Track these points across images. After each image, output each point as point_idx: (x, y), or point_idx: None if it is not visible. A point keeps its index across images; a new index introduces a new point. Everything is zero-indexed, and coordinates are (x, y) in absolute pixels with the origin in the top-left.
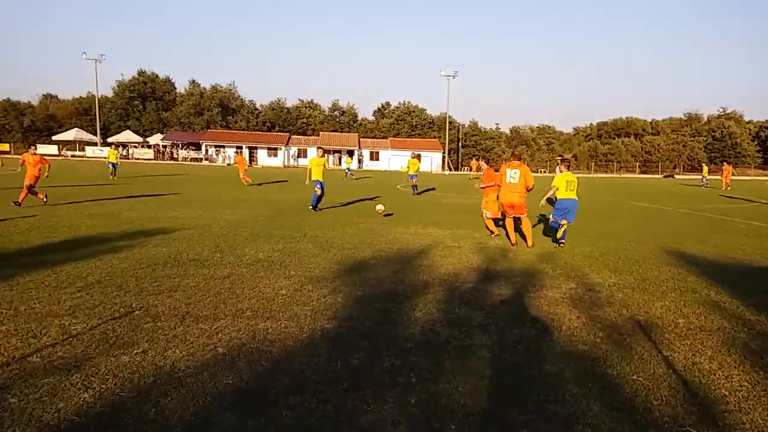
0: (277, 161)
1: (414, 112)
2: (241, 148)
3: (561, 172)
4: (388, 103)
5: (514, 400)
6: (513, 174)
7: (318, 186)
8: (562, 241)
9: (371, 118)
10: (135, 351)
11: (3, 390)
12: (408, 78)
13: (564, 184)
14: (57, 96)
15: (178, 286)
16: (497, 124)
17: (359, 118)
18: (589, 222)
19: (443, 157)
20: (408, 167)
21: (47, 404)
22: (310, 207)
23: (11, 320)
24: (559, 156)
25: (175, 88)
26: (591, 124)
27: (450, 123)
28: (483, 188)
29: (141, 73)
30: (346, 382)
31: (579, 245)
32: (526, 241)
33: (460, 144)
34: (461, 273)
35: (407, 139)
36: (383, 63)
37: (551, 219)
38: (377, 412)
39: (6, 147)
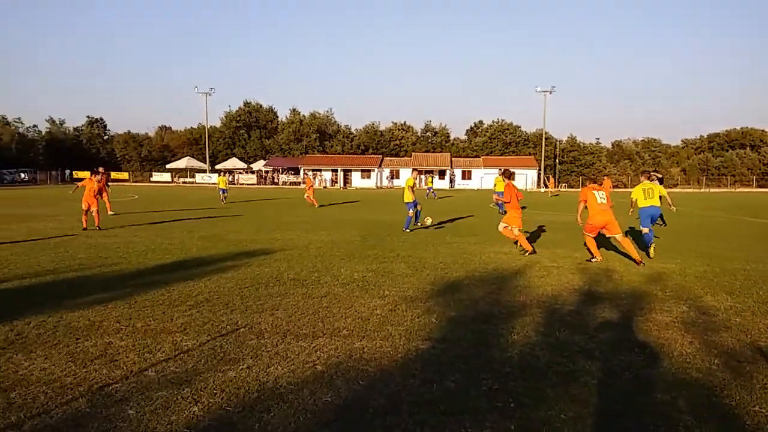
0: (370, 183)
1: (508, 129)
2: (336, 171)
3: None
4: (480, 122)
5: (621, 429)
6: (600, 195)
7: (409, 208)
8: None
9: (464, 137)
10: (240, 367)
11: (122, 402)
12: (502, 96)
13: (641, 193)
14: (171, 127)
15: (280, 304)
16: (597, 138)
17: (451, 138)
18: (700, 240)
19: (539, 174)
20: (495, 185)
21: (161, 416)
22: (406, 229)
23: (130, 336)
24: (643, 170)
25: (277, 117)
26: (701, 136)
27: (546, 139)
28: (503, 203)
29: (246, 103)
30: (443, 404)
31: (691, 265)
32: (633, 259)
33: (557, 160)
34: (561, 294)
35: (500, 157)
36: (476, 82)
37: (643, 230)
38: None
39: (125, 175)
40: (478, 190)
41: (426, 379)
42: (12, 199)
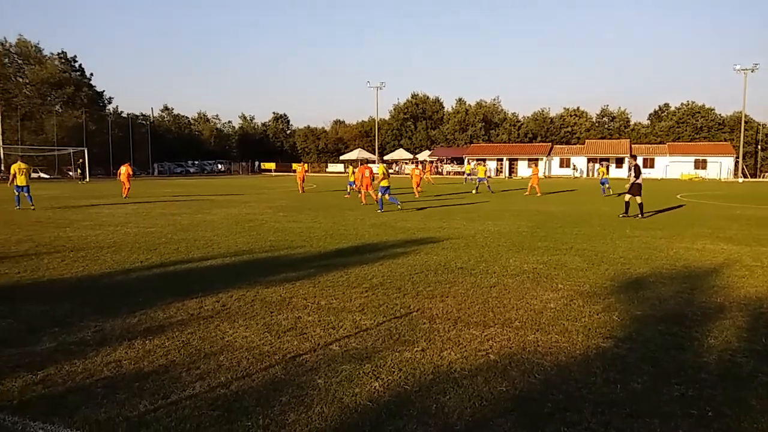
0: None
1: (699, 112)
2: (501, 160)
3: None
4: (666, 105)
5: None
6: None
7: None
8: None
9: (646, 122)
10: (415, 349)
11: (312, 371)
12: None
13: None
14: (344, 121)
15: (449, 292)
16: None
17: (631, 123)
18: None
19: (736, 162)
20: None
21: (346, 388)
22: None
23: (315, 312)
24: None
25: (443, 107)
26: None
27: (746, 123)
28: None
29: (414, 95)
30: (629, 406)
31: None
32: None
33: (759, 147)
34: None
35: (690, 143)
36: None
37: None
38: None
39: (306, 167)
40: (661, 179)
41: (609, 378)
42: (212, 187)
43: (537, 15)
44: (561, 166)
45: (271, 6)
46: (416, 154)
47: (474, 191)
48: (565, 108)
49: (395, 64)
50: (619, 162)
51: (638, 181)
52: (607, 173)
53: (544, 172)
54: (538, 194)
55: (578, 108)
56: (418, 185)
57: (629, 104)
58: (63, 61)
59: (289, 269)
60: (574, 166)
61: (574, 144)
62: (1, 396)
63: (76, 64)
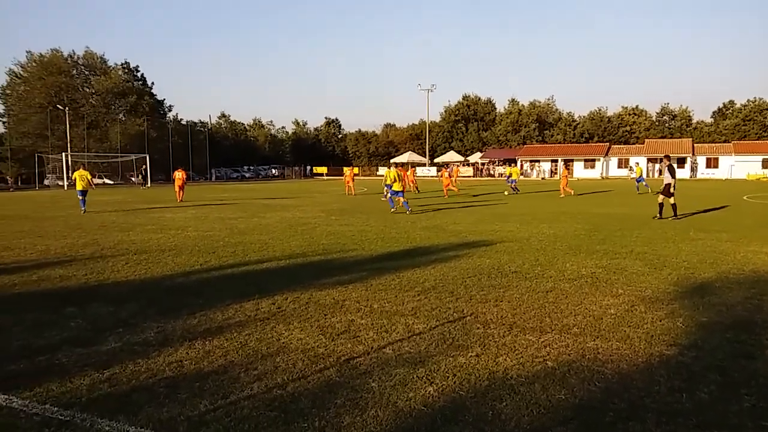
0: (594, 173)
1: (767, 109)
2: (556, 161)
3: None
4: (731, 102)
5: None
6: None
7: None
8: None
9: (709, 120)
10: (469, 354)
11: (365, 375)
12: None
13: None
14: (395, 124)
15: (503, 296)
16: None
17: (693, 121)
18: None
19: None
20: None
21: (400, 392)
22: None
23: (368, 315)
24: None
25: (495, 108)
26: None
27: None
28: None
29: (465, 97)
30: (695, 416)
31: None
32: None
33: None
34: None
35: (757, 141)
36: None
37: None
38: None
39: (356, 170)
40: (725, 179)
41: (673, 387)
42: (266, 191)
43: (593, 10)
44: (619, 166)
45: (322, 12)
46: (467, 156)
47: (506, 192)
48: (623, 107)
49: (447, 65)
50: (681, 162)
51: (672, 181)
52: (641, 172)
53: (602, 173)
54: (572, 194)
55: (637, 106)
56: (447, 186)
57: (691, 102)
58: (126, 71)
59: (342, 272)
60: (630, 166)
61: (633, 144)
62: (71, 393)
63: (138, 74)
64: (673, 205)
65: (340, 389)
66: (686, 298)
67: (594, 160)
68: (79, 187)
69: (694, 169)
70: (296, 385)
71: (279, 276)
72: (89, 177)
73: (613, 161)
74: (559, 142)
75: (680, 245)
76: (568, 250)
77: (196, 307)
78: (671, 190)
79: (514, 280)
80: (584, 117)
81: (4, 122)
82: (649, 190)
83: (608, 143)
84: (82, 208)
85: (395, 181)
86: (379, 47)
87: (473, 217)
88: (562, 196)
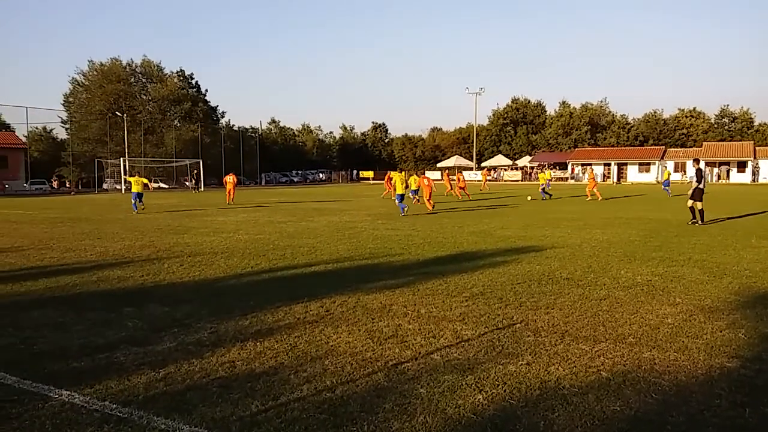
0: (649, 177)
1: None
2: (609, 164)
3: None
4: None
5: None
6: None
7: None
8: None
9: None
10: (520, 362)
11: (413, 380)
12: None
13: None
14: (441, 128)
15: (554, 303)
16: None
17: (755, 123)
18: None
19: None
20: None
21: (449, 399)
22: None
23: (416, 320)
24: None
25: (545, 111)
26: None
27: None
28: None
29: (514, 100)
30: None
31: None
32: None
33: None
34: None
35: None
36: None
37: None
38: None
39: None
40: None
41: (735, 401)
42: (314, 195)
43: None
44: (676, 170)
45: (369, 18)
46: (516, 159)
47: (544, 197)
48: (679, 109)
49: (495, 68)
50: (742, 166)
51: (700, 186)
52: (669, 174)
53: (657, 177)
54: (599, 198)
55: (694, 108)
56: (463, 188)
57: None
58: (181, 78)
59: (389, 276)
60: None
61: (690, 147)
62: (129, 391)
63: (193, 81)
64: (701, 210)
65: (389, 394)
66: (748, 308)
67: (649, 164)
68: (134, 190)
69: (755, 173)
70: (345, 389)
71: (327, 279)
72: (144, 182)
73: (669, 165)
74: (612, 145)
75: (741, 253)
76: (623, 256)
77: (247, 309)
78: (698, 194)
79: (566, 287)
80: (638, 119)
81: (67, 129)
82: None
83: (664, 146)
84: (134, 210)
85: (406, 186)
86: (427, 51)
87: (522, 221)
88: (589, 198)
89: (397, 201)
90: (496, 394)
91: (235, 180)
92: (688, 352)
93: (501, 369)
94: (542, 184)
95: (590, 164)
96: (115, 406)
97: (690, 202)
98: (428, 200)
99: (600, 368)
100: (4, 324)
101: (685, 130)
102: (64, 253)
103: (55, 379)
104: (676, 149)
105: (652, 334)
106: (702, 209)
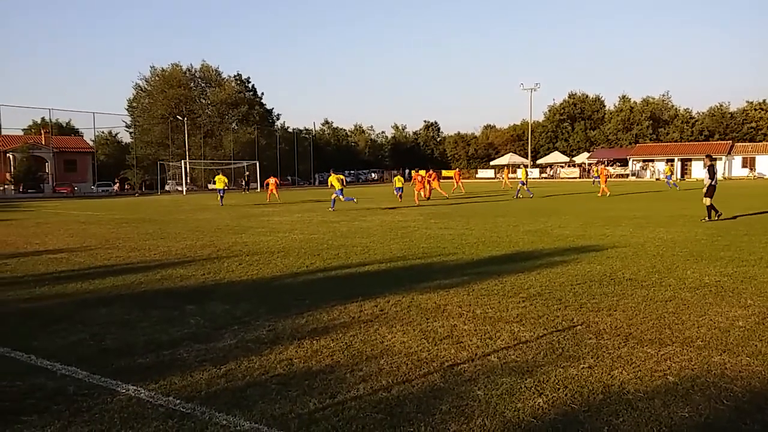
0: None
1: None
2: (672, 161)
3: None
4: None
5: None
6: None
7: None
8: None
9: None
10: (581, 365)
11: (470, 382)
12: None
13: None
14: (495, 125)
15: (617, 305)
16: None
17: None
18: None
19: None
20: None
21: (507, 402)
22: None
23: (471, 321)
24: None
25: (604, 106)
26: None
27: None
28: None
29: (571, 95)
30: None
31: None
32: None
33: None
34: None
35: None
36: None
37: None
38: None
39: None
40: None
41: None
42: (366, 194)
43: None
44: (744, 166)
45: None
46: (573, 156)
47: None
48: (748, 101)
49: (551, 63)
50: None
51: (713, 182)
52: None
53: (723, 174)
54: (608, 194)
55: (764, 101)
56: (455, 187)
57: None
58: (239, 82)
59: (443, 276)
60: (752, 166)
61: (760, 141)
62: (192, 387)
63: (249, 85)
64: (708, 207)
65: (445, 395)
66: None
67: (715, 160)
68: (218, 186)
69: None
70: (401, 389)
71: (381, 279)
72: (226, 180)
73: (737, 160)
74: (676, 141)
75: None
76: (689, 256)
77: (303, 307)
78: (711, 191)
79: (629, 288)
80: (703, 113)
81: (131, 133)
82: (676, 189)
83: (730, 141)
84: (221, 203)
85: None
86: (479, 47)
87: (581, 220)
88: (599, 195)
89: (396, 193)
90: (557, 398)
91: (277, 182)
92: (762, 357)
93: (561, 372)
94: (523, 181)
95: (652, 160)
96: (178, 401)
97: (705, 199)
98: (417, 196)
99: (666, 372)
100: (74, 321)
101: (753, 124)
102: (129, 252)
103: (122, 374)
104: (744, 144)
105: (722, 338)
106: (711, 205)
